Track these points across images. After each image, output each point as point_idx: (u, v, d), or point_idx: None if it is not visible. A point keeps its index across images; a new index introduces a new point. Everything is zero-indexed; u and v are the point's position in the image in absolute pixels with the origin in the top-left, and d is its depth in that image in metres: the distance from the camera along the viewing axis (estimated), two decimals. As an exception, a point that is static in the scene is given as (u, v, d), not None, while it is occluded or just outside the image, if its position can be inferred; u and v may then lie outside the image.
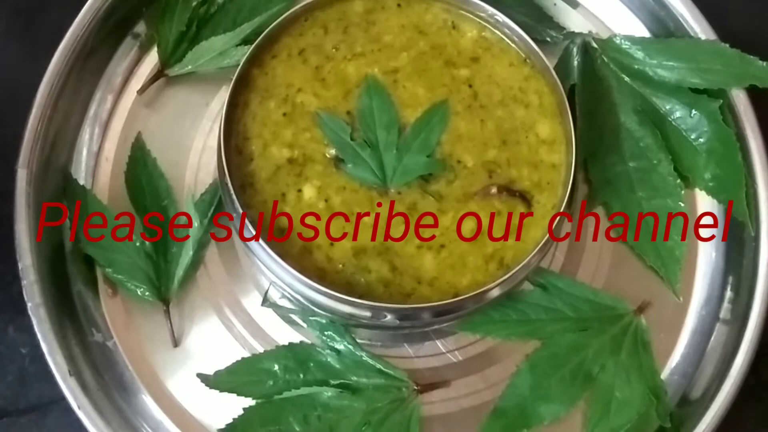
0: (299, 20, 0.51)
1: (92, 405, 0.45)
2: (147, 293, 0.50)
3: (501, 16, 0.51)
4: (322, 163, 0.48)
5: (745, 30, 0.59)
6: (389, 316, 0.46)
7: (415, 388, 0.49)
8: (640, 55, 0.55)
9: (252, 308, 0.51)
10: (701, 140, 0.54)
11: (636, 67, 0.55)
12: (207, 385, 0.49)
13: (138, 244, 0.50)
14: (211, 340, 0.51)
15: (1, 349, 0.50)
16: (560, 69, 0.55)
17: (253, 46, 0.49)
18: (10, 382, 0.50)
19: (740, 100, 0.53)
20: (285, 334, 0.51)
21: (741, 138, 0.53)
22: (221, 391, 0.48)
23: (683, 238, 0.53)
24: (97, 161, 0.53)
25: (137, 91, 0.54)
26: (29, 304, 0.46)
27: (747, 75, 0.53)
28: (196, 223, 0.50)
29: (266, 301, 0.50)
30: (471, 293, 0.45)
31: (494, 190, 0.48)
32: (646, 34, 0.57)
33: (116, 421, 0.46)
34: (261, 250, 0.46)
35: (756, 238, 0.51)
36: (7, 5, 0.58)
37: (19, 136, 0.50)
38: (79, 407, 0.44)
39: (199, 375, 0.49)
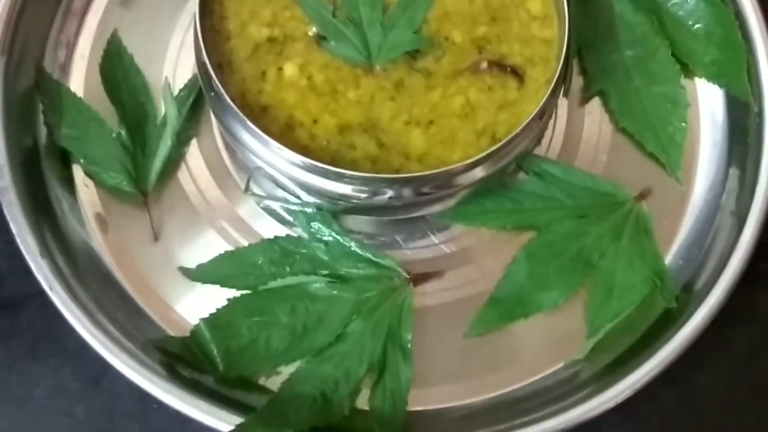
0: None
1: (66, 290, 0.43)
2: (124, 183, 0.47)
3: None
4: (303, 41, 0.46)
5: None
6: (378, 193, 0.44)
7: (407, 276, 0.47)
8: (632, -70, 0.53)
9: (235, 202, 0.49)
10: (699, 25, 0.52)
11: (629, -53, 0.54)
12: (189, 277, 0.47)
13: (114, 135, 0.48)
14: (193, 235, 0.48)
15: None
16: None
17: None
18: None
19: (737, -23, 0.51)
20: (270, 228, 0.48)
21: (739, 16, 0.51)
22: (204, 283, 0.47)
23: (684, 124, 0.51)
24: (72, 58, 0.51)
25: (112, -14, 0.52)
26: (-1, 188, 0.44)
27: (746, -51, 0.51)
28: (173, 112, 0.48)
29: (248, 190, 0.48)
30: (464, 163, 0.43)
31: (484, 65, 0.46)
32: None
33: (92, 308, 0.44)
34: (241, 128, 0.44)
35: (760, 114, 0.49)
36: None
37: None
38: (50, 288, 0.42)
39: (180, 268, 0.47)
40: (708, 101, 0.53)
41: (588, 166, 0.51)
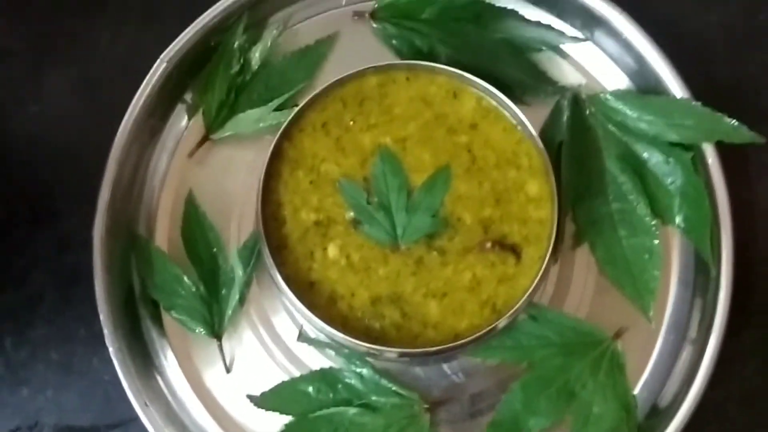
0: (322, 97, 0.59)
1: (164, 427, 0.57)
2: (203, 331, 0.60)
3: (493, 90, 0.59)
4: (343, 225, 0.58)
5: (728, 76, 0.67)
6: (401, 356, 0.56)
7: (426, 406, 0.59)
8: (622, 109, 0.62)
9: (289, 339, 0.61)
10: (676, 184, 0.61)
11: (619, 119, 0.62)
12: (255, 404, 0.59)
13: (194, 289, 0.60)
14: (257, 367, 0.61)
15: (90, 377, 0.62)
16: (552, 122, 0.63)
17: (284, 123, 0.58)
18: (98, 404, 0.61)
19: (710, 152, 0.60)
20: (317, 361, 0.61)
21: (709, 187, 0.60)
22: (266, 409, 0.59)
23: (657, 273, 0.61)
24: (157, 216, 0.63)
25: (187, 155, 0.63)
26: (110, 349, 0.57)
27: (716, 131, 0.60)
28: (239, 273, 0.60)
29: (301, 336, 0.60)
30: (469, 337, 0.55)
31: (489, 244, 0.57)
32: (631, 86, 0.65)
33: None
34: (296, 301, 0.56)
35: (717, 278, 0.59)
36: (73, 74, 0.68)
37: (89, 189, 0.59)
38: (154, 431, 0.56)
39: (248, 396, 0.60)
40: (683, 244, 0.63)
41: (576, 305, 0.62)
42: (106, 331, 0.57)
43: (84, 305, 0.60)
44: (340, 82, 0.59)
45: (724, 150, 0.60)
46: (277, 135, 0.58)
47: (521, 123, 0.59)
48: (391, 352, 0.55)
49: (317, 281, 0.57)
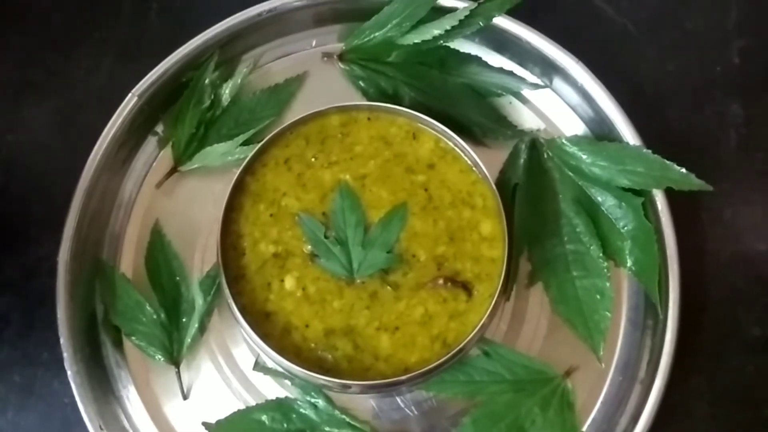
0: (285, 134, 0.62)
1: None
2: (162, 358, 0.61)
3: (450, 133, 0.61)
4: (301, 257, 0.59)
5: (683, 126, 0.70)
6: (352, 387, 0.57)
7: (377, 439, 0.61)
8: (578, 154, 0.64)
9: (246, 368, 0.62)
10: (627, 228, 0.63)
11: (574, 163, 0.65)
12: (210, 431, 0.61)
13: (155, 316, 0.62)
14: (214, 394, 0.62)
15: (50, 399, 0.63)
16: (509, 164, 0.65)
17: (248, 158, 0.60)
18: (56, 427, 0.62)
19: (660, 198, 0.62)
20: (274, 391, 0.62)
21: (658, 232, 0.62)
22: (221, 437, 0.61)
23: (608, 313, 0.63)
24: (123, 243, 0.65)
25: (155, 185, 0.65)
26: (69, 372, 0.58)
27: (665, 178, 0.62)
28: (200, 301, 0.62)
29: (257, 366, 0.61)
30: (419, 370, 0.56)
31: (441, 281, 0.59)
32: (588, 132, 0.67)
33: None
34: (250, 331, 0.57)
35: (664, 320, 0.61)
36: (49, 106, 0.70)
37: (60, 217, 0.61)
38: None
39: (203, 423, 0.61)
40: (634, 286, 0.65)
41: (529, 343, 0.63)
42: (65, 354, 0.59)
43: (48, 330, 0.61)
44: (304, 120, 0.62)
45: (678, 197, 0.62)
46: (240, 168, 0.60)
47: (476, 164, 0.61)
48: (342, 384, 0.56)
49: (273, 312, 0.58)
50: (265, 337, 0.57)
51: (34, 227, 0.67)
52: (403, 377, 0.56)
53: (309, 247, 0.59)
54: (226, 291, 0.58)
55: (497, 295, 0.58)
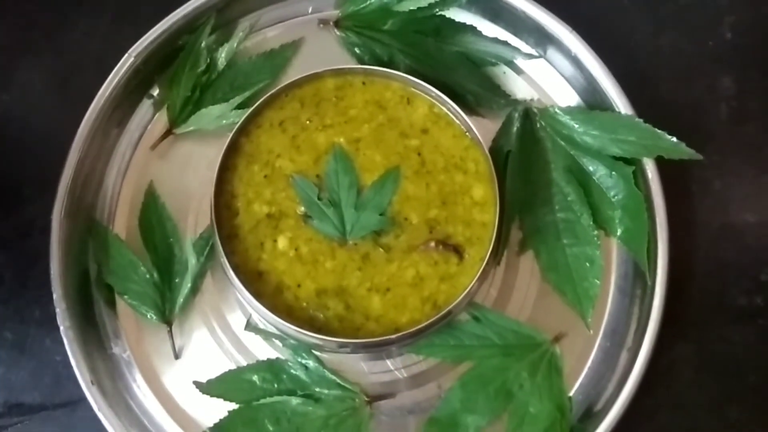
0: (281, 96, 0.62)
1: (109, 407, 0.58)
2: (154, 317, 0.62)
3: (444, 98, 0.61)
4: (294, 218, 0.60)
5: (675, 98, 0.70)
6: (343, 346, 0.58)
7: (366, 399, 0.61)
8: (570, 123, 0.65)
9: (238, 329, 0.63)
10: (618, 197, 0.64)
11: (566, 132, 0.65)
12: (200, 390, 0.61)
13: (148, 276, 0.62)
14: (205, 354, 0.62)
15: (41, 356, 0.63)
16: (502, 132, 0.66)
17: (242, 118, 0.61)
18: (47, 383, 0.63)
19: (650, 167, 0.63)
20: (265, 352, 0.62)
21: (648, 200, 0.63)
22: (211, 396, 0.61)
23: (597, 281, 0.63)
24: (117, 204, 0.65)
25: (150, 147, 0.66)
26: (61, 327, 0.59)
27: (656, 147, 0.62)
28: (193, 262, 0.62)
29: (249, 326, 0.62)
30: (409, 330, 0.57)
31: (433, 244, 0.59)
32: (581, 102, 0.67)
33: (127, 420, 0.59)
34: (242, 289, 0.58)
35: (652, 288, 0.61)
36: (45, 67, 0.70)
37: (54, 177, 0.61)
38: (98, 409, 0.57)
39: (194, 382, 0.61)
40: (623, 255, 0.65)
41: (518, 309, 0.64)
42: (58, 310, 0.59)
43: (41, 289, 0.62)
44: (299, 83, 0.62)
45: (669, 169, 0.63)
46: (234, 129, 0.60)
47: (470, 130, 0.61)
48: (333, 342, 0.57)
49: (265, 271, 0.59)
50: (257, 296, 0.57)
51: (27, 187, 0.67)
52: (393, 336, 0.57)
53: (302, 208, 0.60)
54: (220, 249, 0.58)
55: (488, 258, 0.59)
